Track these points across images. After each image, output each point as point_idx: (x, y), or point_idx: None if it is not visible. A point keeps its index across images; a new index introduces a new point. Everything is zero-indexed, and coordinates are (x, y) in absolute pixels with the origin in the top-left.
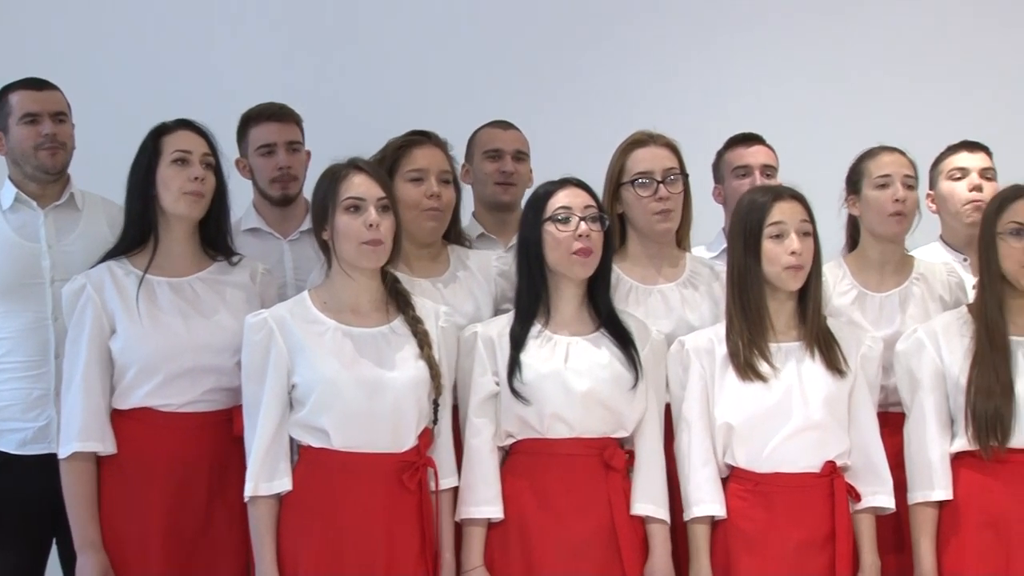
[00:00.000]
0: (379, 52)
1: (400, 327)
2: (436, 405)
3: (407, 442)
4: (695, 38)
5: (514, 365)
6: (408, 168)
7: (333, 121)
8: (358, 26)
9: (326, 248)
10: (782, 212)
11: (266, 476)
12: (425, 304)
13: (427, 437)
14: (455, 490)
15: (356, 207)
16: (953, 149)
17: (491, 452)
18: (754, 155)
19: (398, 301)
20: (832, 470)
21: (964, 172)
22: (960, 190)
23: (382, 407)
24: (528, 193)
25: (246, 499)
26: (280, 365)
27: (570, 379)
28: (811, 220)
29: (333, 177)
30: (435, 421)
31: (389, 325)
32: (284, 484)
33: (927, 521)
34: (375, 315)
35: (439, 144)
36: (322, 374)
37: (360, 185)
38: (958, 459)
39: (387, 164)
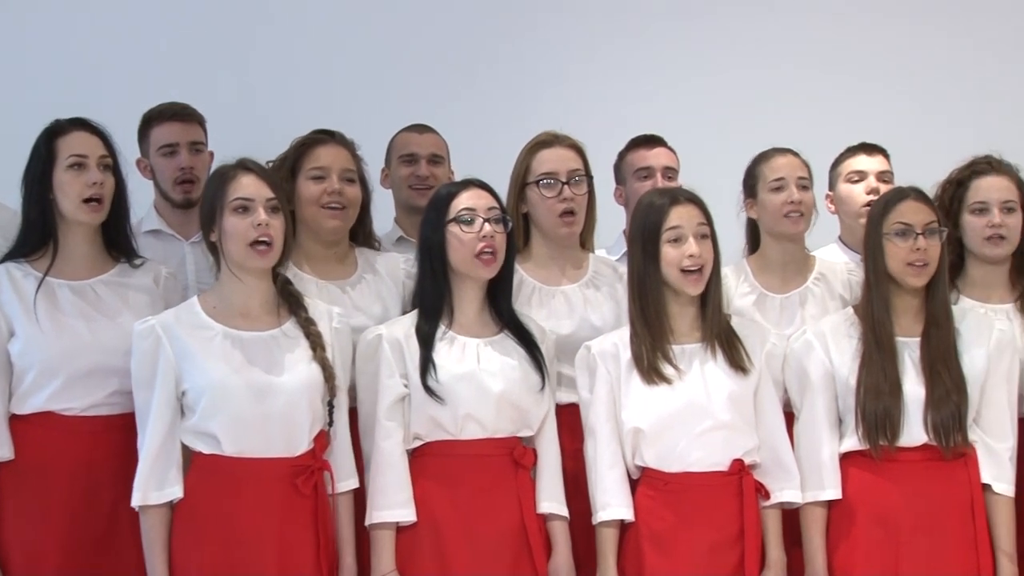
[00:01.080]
0: (286, 52)
1: (292, 329)
2: (331, 407)
3: (300, 446)
4: (597, 40)
5: (427, 365)
6: (310, 166)
7: (238, 121)
8: (262, 24)
9: (215, 250)
10: (679, 216)
11: (156, 484)
12: (318, 305)
13: (323, 440)
14: (355, 492)
15: (244, 208)
16: (851, 151)
17: (402, 455)
18: (656, 157)
19: (290, 303)
20: (740, 468)
21: (862, 175)
22: (858, 193)
23: (273, 411)
24: None
25: (135, 508)
26: (168, 372)
27: (485, 380)
28: (709, 223)
29: (221, 178)
30: (330, 423)
31: (280, 328)
32: (175, 492)
33: (817, 520)
34: (266, 318)
35: (344, 143)
36: (210, 380)
37: (249, 186)
38: (848, 459)
39: (289, 163)
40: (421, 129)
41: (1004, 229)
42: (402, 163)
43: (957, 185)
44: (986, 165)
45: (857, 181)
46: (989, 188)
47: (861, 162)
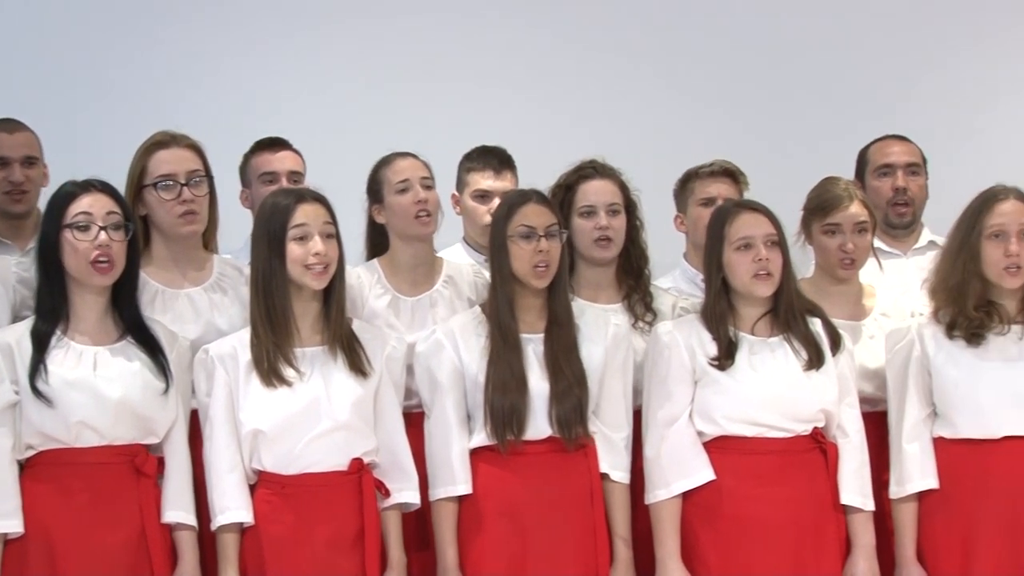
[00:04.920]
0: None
1: None
2: None
3: None
4: (228, 40)
5: (37, 368)
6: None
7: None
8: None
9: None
10: (305, 214)
11: None
12: None
13: None
14: None
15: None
16: (477, 168)
17: (11, 464)
18: (280, 161)
19: None
20: (359, 468)
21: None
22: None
23: None
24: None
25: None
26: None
27: (101, 387)
28: (334, 222)
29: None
30: None
31: None
32: None
33: (448, 516)
34: None
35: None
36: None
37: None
38: (477, 454)
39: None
40: (11, 128)
41: (610, 231)
42: None
43: (566, 189)
44: (591, 170)
45: (481, 197)
46: (596, 192)
47: (489, 178)
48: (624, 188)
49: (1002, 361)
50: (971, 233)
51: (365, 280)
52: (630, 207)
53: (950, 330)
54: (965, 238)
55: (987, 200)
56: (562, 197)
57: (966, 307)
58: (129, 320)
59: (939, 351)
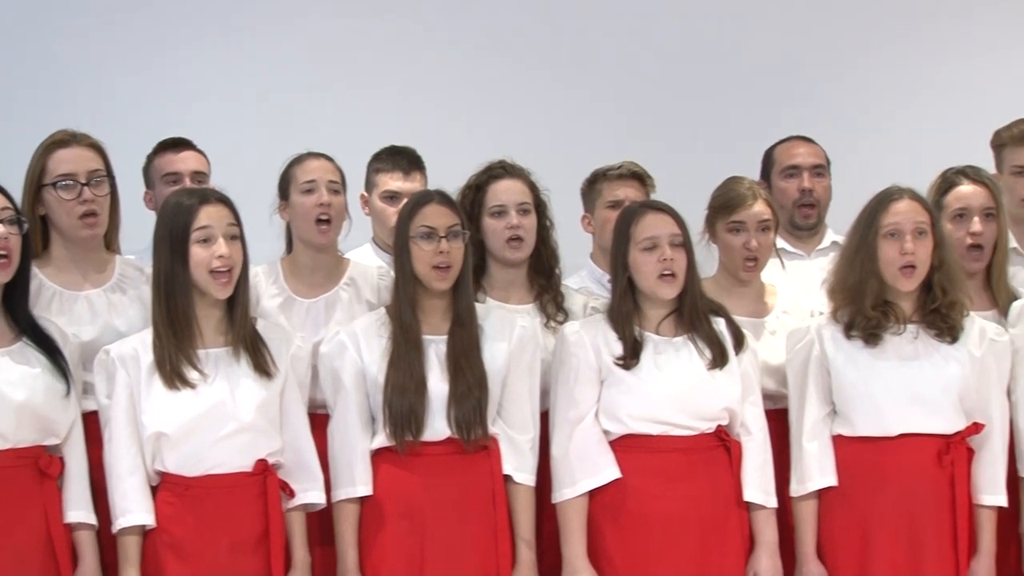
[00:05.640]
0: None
1: None
2: None
3: None
4: (131, 40)
5: None
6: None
7: None
8: None
9: None
10: (209, 216)
11: None
12: None
13: None
14: None
15: None
16: (386, 169)
17: None
18: (184, 161)
19: None
20: (264, 469)
21: (395, 194)
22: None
23: None
24: None
25: None
26: None
27: (3, 390)
28: (238, 224)
29: None
30: None
31: None
32: None
33: (349, 517)
34: None
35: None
36: None
37: None
38: (379, 455)
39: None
40: None
41: (521, 231)
42: None
43: (476, 190)
44: (501, 170)
45: (390, 198)
46: (506, 191)
47: (398, 179)
48: (534, 188)
49: (898, 360)
50: (868, 233)
51: (262, 279)
52: (540, 207)
53: (848, 330)
54: (862, 238)
55: (883, 200)
56: (472, 197)
57: (864, 306)
58: (24, 321)
59: (838, 351)
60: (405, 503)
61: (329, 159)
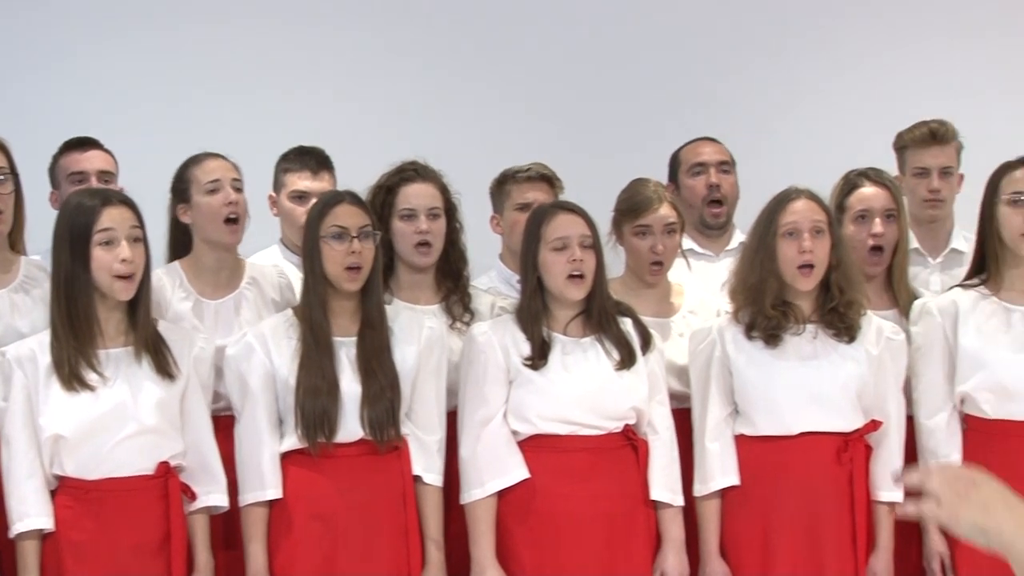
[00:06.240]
0: None
1: None
2: None
3: None
4: (36, 40)
5: None
6: None
7: None
8: None
9: None
10: (111, 218)
11: None
12: None
13: None
14: None
15: None
16: (293, 170)
17: None
18: (90, 160)
19: None
20: (166, 471)
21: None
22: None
23: None
24: None
25: None
26: None
27: None
28: (141, 226)
29: None
30: None
31: None
32: None
33: (258, 521)
34: None
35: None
36: None
37: None
38: (288, 458)
39: None
40: None
41: (430, 236)
42: None
43: (387, 191)
44: (413, 172)
45: (299, 198)
46: (416, 195)
47: (306, 178)
48: (445, 191)
49: (797, 360)
50: (766, 233)
51: (167, 283)
52: (450, 210)
53: (749, 331)
54: (761, 238)
55: (781, 200)
56: (383, 199)
57: (764, 306)
58: None
59: (739, 351)
60: (316, 505)
61: (226, 157)
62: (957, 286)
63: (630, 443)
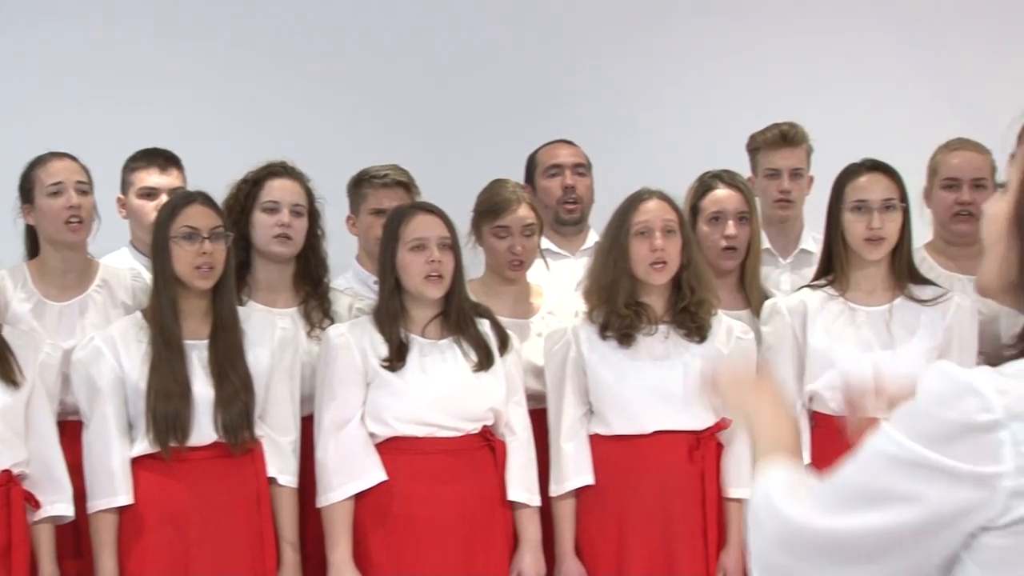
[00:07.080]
0: None
1: None
2: None
3: None
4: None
5: None
6: None
7: None
8: None
9: None
10: None
11: None
12: None
13: None
14: None
15: None
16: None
17: None
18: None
19: None
20: (8, 480)
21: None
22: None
23: None
24: None
25: None
26: None
27: None
28: None
29: None
30: None
31: None
32: None
33: (108, 528)
34: None
35: None
36: None
37: None
38: (138, 462)
39: None
40: None
41: (291, 230)
42: None
43: (252, 184)
44: (281, 168)
45: (148, 195)
46: (281, 189)
47: (154, 174)
48: (310, 194)
49: (650, 360)
50: (619, 233)
51: (8, 283)
52: (313, 213)
53: (603, 331)
54: (614, 238)
55: (633, 201)
56: (247, 191)
57: (617, 305)
58: None
59: (593, 352)
60: (168, 509)
61: (74, 159)
62: (806, 286)
63: (488, 444)
